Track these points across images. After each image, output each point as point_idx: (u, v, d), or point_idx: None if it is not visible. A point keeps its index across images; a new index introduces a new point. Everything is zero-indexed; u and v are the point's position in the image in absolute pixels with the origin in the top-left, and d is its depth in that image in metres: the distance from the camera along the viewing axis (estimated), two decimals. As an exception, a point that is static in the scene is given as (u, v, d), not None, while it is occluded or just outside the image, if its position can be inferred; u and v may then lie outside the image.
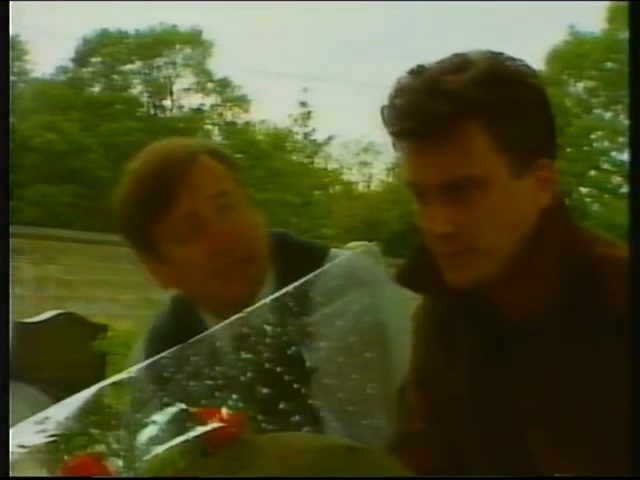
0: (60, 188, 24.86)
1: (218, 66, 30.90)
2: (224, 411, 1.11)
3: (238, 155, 25.80)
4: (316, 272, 1.46)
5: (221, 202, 1.57)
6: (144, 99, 30.51)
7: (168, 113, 30.43)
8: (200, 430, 1.07)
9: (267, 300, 1.38)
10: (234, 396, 1.17)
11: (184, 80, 30.50)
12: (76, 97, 27.81)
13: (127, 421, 1.13)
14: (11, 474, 1.15)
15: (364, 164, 32.15)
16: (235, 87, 30.35)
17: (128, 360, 1.76)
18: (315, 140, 29.31)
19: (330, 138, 30.14)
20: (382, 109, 1.31)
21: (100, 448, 1.09)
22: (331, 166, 31.58)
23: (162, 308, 1.76)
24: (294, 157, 29.80)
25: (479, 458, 1.35)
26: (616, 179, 27.17)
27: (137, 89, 30.52)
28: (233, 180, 1.61)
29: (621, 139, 26.36)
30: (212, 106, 30.74)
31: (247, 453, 1.07)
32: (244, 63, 50.92)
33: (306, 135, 28.82)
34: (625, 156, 24.61)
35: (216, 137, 29.06)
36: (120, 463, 1.08)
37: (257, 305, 1.37)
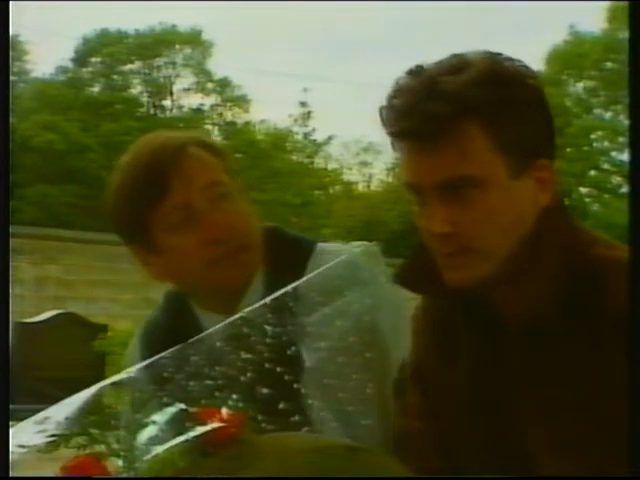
0: (60, 188, 24.87)
1: (218, 66, 30.94)
2: (224, 411, 1.11)
3: (238, 155, 25.83)
4: (316, 272, 1.46)
5: (214, 192, 1.57)
6: (144, 99, 30.52)
7: (168, 113, 30.44)
8: (200, 430, 1.07)
9: (267, 300, 1.38)
10: (234, 396, 1.17)
11: (184, 80, 30.54)
12: (76, 97, 27.81)
13: (127, 421, 1.13)
14: (11, 474, 1.15)
15: (364, 164, 32.17)
16: (235, 87, 30.37)
17: (124, 356, 1.77)
18: (315, 140, 29.40)
19: (330, 138, 30.20)
20: (381, 109, 1.31)
21: (100, 448, 1.09)
22: (331, 166, 31.62)
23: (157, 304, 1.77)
24: (294, 157, 29.82)
25: (478, 458, 1.35)
26: (616, 179, 27.17)
27: (137, 89, 30.53)
28: (224, 170, 1.62)
29: (621, 139, 26.36)
30: (212, 106, 30.76)
31: (247, 453, 1.07)
32: (244, 63, 51.01)
33: (306, 135, 28.89)
34: (625, 156, 24.62)
35: (216, 137, 29.05)
36: (120, 463, 1.08)
37: (257, 305, 1.37)
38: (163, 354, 1.28)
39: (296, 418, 1.34)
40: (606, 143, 27.86)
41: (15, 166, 17.91)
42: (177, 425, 1.09)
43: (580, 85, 28.62)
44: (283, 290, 1.40)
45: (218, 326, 1.37)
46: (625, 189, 23.60)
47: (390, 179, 28.91)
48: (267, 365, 1.34)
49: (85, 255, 13.58)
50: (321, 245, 1.64)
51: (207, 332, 1.36)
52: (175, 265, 1.59)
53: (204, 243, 1.55)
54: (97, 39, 29.30)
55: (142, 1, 43.65)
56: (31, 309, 11.34)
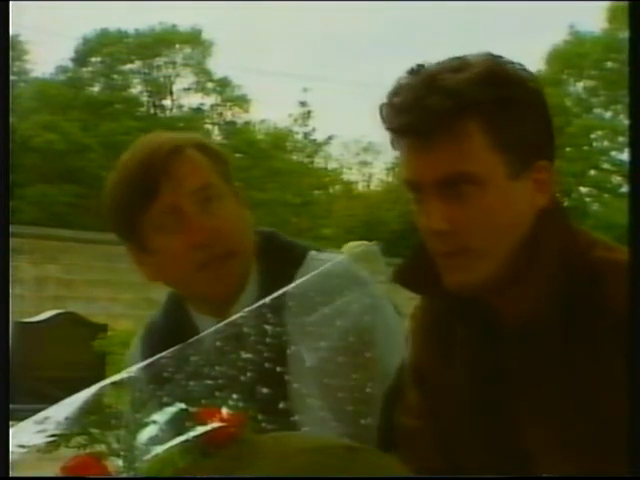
0: (60, 188, 24.88)
1: (218, 66, 30.98)
2: (224, 411, 1.11)
3: (238, 155, 25.83)
4: (315, 272, 1.46)
5: (204, 195, 1.57)
6: (144, 99, 30.51)
7: (168, 113, 30.43)
8: (200, 430, 1.07)
9: (267, 300, 1.38)
10: (234, 396, 1.17)
11: (184, 80, 30.54)
12: (76, 97, 27.81)
13: (127, 421, 1.13)
14: (11, 474, 1.15)
15: (364, 164, 32.18)
16: (235, 87, 30.37)
17: (125, 357, 1.78)
18: (315, 140, 29.39)
19: (330, 138, 30.19)
20: (380, 107, 1.31)
21: (100, 448, 1.09)
22: (331, 166, 31.63)
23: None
24: (294, 157, 29.82)
25: (478, 458, 1.35)
26: (616, 179, 27.17)
27: (137, 89, 30.52)
28: (219, 174, 1.62)
29: (621, 139, 26.37)
30: (212, 106, 30.76)
31: (247, 453, 1.07)
32: (244, 63, 50.99)
33: (306, 135, 28.88)
34: (625, 156, 24.63)
35: (216, 137, 29.05)
36: (120, 463, 1.08)
37: (257, 305, 1.37)
38: (163, 354, 1.28)
39: (296, 418, 1.34)
40: (606, 143, 27.86)
41: (15, 166, 17.92)
42: (177, 425, 1.09)
43: (580, 85, 28.63)
44: (283, 290, 1.40)
45: (218, 325, 1.37)
46: (625, 189, 23.60)
47: (390, 179, 28.93)
48: (267, 365, 1.34)
49: (85, 255, 13.58)
50: (313, 253, 1.64)
51: (207, 332, 1.36)
52: (165, 267, 1.60)
53: (190, 246, 1.55)
54: (97, 39, 29.30)
55: (142, 1, 43.63)
56: (31, 309, 11.34)
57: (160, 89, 30.32)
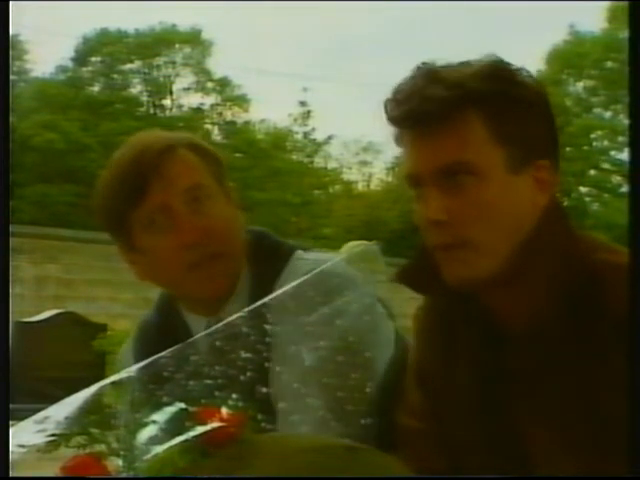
0: (60, 187, 24.87)
1: (218, 65, 30.99)
2: (224, 411, 1.11)
3: (238, 154, 25.83)
4: (315, 271, 1.46)
5: (195, 195, 1.57)
6: (144, 98, 30.50)
7: (168, 112, 30.42)
8: (200, 430, 1.07)
9: (266, 300, 1.38)
10: (234, 395, 1.17)
11: (184, 79, 30.53)
12: (76, 96, 27.80)
13: (127, 420, 1.12)
14: (11, 474, 1.14)
15: (364, 163, 32.17)
16: (235, 86, 30.36)
17: (117, 355, 1.78)
18: (315, 139, 29.37)
19: (330, 137, 30.19)
20: (385, 101, 1.32)
21: (100, 447, 1.09)
22: (331, 165, 31.63)
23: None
24: (294, 156, 29.81)
25: (479, 459, 1.35)
26: (616, 179, 27.16)
27: (137, 88, 30.51)
28: (211, 174, 1.61)
29: (621, 138, 26.37)
30: (212, 105, 30.74)
31: (247, 453, 1.07)
32: (244, 63, 50.92)
33: (306, 134, 28.86)
34: (625, 155, 24.63)
35: (216, 136, 29.07)
36: (120, 462, 1.08)
37: (257, 304, 1.37)
38: (162, 354, 1.27)
39: (295, 418, 1.34)
40: (606, 142, 27.85)
41: (15, 166, 17.90)
42: (177, 425, 1.09)
43: (580, 85, 28.62)
44: (282, 290, 1.40)
45: (218, 325, 1.37)
46: (625, 189, 23.60)
47: (390, 178, 28.92)
48: (267, 365, 1.34)
49: (85, 254, 13.57)
50: (299, 253, 1.64)
51: (207, 331, 1.36)
52: (155, 266, 1.60)
53: (180, 246, 1.55)
54: (97, 38, 29.28)
55: (142, 1, 43.61)
56: (31, 308, 11.33)
57: (160, 89, 30.30)
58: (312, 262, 1.54)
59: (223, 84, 30.34)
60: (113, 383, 1.22)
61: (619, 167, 26.47)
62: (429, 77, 1.29)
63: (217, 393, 1.18)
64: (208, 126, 30.18)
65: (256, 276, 1.60)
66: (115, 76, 29.76)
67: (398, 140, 1.34)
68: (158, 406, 1.14)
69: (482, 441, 1.35)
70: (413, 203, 1.34)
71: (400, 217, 22.50)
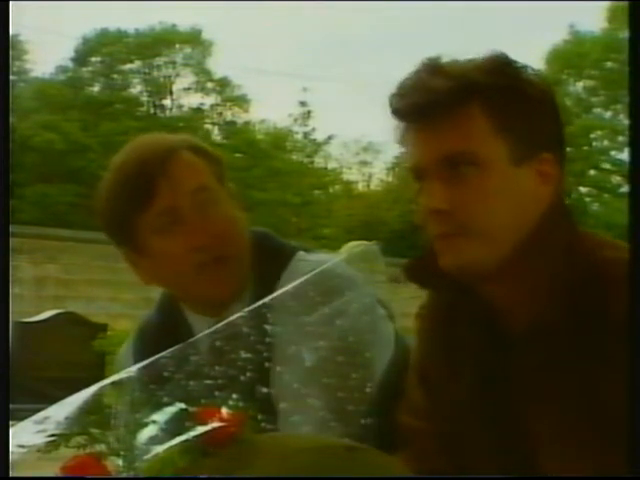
0: (60, 187, 24.87)
1: (218, 65, 30.98)
2: (224, 411, 1.11)
3: (238, 155, 25.83)
4: (315, 271, 1.46)
5: (201, 197, 1.57)
6: (144, 98, 30.50)
7: (168, 112, 30.42)
8: (200, 430, 1.07)
9: (266, 300, 1.38)
10: (234, 396, 1.17)
11: (184, 79, 30.54)
12: (76, 96, 27.82)
13: (127, 421, 1.12)
14: (11, 474, 1.14)
15: (364, 163, 32.19)
16: (235, 86, 30.37)
17: (117, 355, 1.78)
18: (315, 139, 29.40)
19: (330, 137, 30.22)
20: (390, 96, 1.33)
21: (100, 447, 1.09)
22: (331, 165, 31.65)
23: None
24: (294, 156, 29.82)
25: (481, 458, 1.35)
26: (616, 179, 27.17)
27: (137, 88, 30.51)
28: (214, 176, 1.61)
29: (621, 138, 26.38)
30: (212, 105, 30.75)
31: (247, 453, 1.07)
32: (244, 63, 50.93)
33: (306, 134, 28.89)
34: (625, 155, 24.63)
35: (216, 136, 29.07)
36: (120, 462, 1.08)
37: (257, 304, 1.37)
38: (163, 354, 1.27)
39: (295, 418, 1.34)
40: (606, 142, 27.87)
41: (15, 166, 17.91)
42: (177, 425, 1.09)
43: (580, 85, 28.63)
44: (282, 290, 1.40)
45: (218, 325, 1.37)
46: (625, 189, 23.59)
47: (390, 178, 28.92)
48: (267, 365, 1.34)
49: (85, 254, 13.58)
50: (301, 254, 1.64)
51: (207, 332, 1.36)
52: (160, 269, 1.60)
53: (189, 249, 1.55)
54: (97, 39, 29.29)
55: (142, 1, 43.61)
56: (31, 309, 11.34)
57: (160, 89, 30.31)
58: (314, 263, 1.54)
59: (223, 84, 30.35)
60: (113, 383, 1.22)
61: (619, 167, 26.48)
62: (433, 70, 1.30)
63: (217, 393, 1.18)
64: (208, 126, 30.19)
65: (259, 277, 1.60)
66: (115, 76, 29.77)
67: (401, 135, 1.34)
68: (158, 406, 1.13)
69: (484, 440, 1.35)
70: (414, 202, 1.34)
71: (400, 217, 22.51)
